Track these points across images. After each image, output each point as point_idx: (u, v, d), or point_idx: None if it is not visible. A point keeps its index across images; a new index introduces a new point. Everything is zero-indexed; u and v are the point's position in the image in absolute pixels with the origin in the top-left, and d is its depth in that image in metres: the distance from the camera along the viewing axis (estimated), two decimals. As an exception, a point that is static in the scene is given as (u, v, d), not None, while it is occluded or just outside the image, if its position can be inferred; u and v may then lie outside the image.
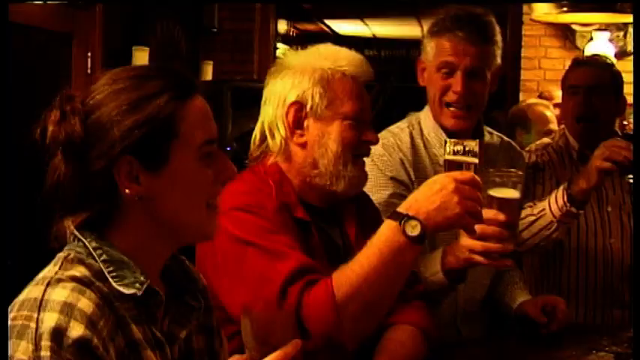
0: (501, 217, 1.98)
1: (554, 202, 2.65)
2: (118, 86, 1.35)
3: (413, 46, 11.33)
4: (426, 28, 2.64)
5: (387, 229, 1.76)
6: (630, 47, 6.46)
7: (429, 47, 2.50)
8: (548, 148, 3.13)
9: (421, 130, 2.60)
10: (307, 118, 1.98)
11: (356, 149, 2.00)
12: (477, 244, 2.01)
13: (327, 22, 12.53)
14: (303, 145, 1.99)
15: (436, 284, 2.23)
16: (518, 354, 2.48)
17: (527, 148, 3.19)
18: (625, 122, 2.95)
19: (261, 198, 1.92)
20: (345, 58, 2.01)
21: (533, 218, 2.73)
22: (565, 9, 2.93)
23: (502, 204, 1.95)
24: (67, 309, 1.23)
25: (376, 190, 2.41)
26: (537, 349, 2.48)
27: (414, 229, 1.73)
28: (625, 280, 2.98)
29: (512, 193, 1.99)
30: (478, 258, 2.04)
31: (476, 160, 1.89)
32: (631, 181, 2.64)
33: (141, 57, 5.28)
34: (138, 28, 5.56)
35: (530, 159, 3.05)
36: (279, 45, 9.65)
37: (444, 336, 2.32)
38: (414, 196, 1.80)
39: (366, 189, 2.21)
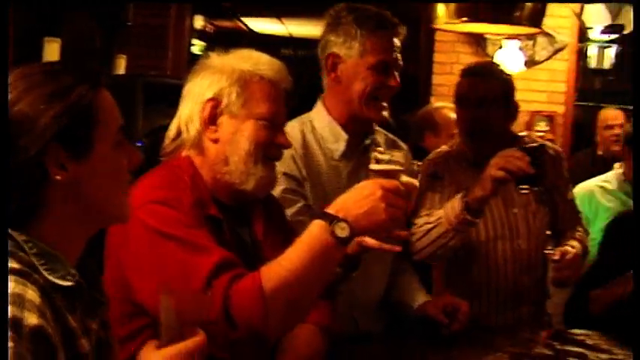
0: None
1: (450, 211, 2.69)
2: (33, 80, 1.39)
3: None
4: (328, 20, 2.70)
5: (317, 228, 1.79)
6: (538, 56, 6.64)
7: (358, 44, 2.56)
8: (446, 155, 3.13)
9: (313, 127, 2.65)
10: (222, 115, 2.01)
11: (267, 150, 2.04)
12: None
13: (244, 19, 12.49)
14: (216, 141, 2.02)
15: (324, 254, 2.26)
16: (418, 353, 2.53)
17: (427, 157, 3.19)
18: (523, 133, 3.03)
19: (177, 193, 1.93)
20: (266, 63, 2.05)
21: (430, 226, 2.76)
22: (465, 19, 2.99)
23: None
24: (19, 300, 1.26)
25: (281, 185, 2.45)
26: (436, 349, 2.53)
27: (342, 231, 1.78)
28: (532, 279, 3.06)
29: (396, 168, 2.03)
30: (370, 241, 2.08)
31: (401, 169, 1.95)
32: (524, 192, 2.71)
33: (52, 48, 5.18)
34: (50, 19, 5.45)
35: (429, 168, 3.07)
36: (195, 41, 9.57)
37: (344, 330, 2.40)
38: (343, 199, 1.84)
39: None
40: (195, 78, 2.05)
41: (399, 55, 2.62)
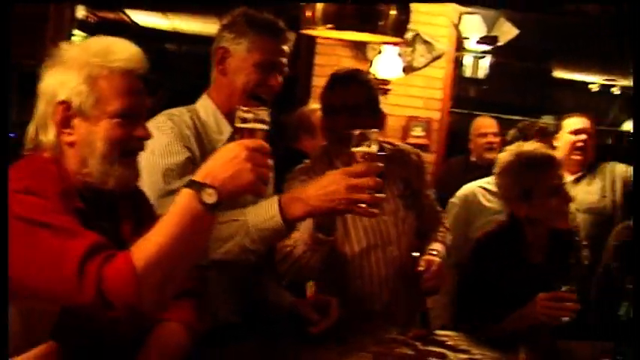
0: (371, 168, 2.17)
1: (304, 231, 2.66)
2: None
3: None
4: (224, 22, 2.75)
5: (185, 197, 1.77)
6: (416, 63, 6.78)
7: (247, 41, 2.62)
8: (309, 171, 3.07)
9: (199, 116, 2.67)
10: (75, 117, 1.96)
11: (126, 145, 2.00)
12: (353, 195, 2.16)
13: (128, 11, 12.27)
14: (72, 144, 1.97)
15: (268, 230, 2.29)
16: (287, 351, 2.55)
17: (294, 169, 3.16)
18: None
19: (43, 182, 1.89)
20: (117, 53, 1.99)
21: (288, 250, 2.72)
22: (330, 26, 3.02)
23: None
24: None
25: (172, 155, 2.47)
26: (303, 348, 2.56)
27: (210, 197, 1.76)
28: (406, 283, 3.11)
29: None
30: (359, 209, 2.17)
31: (265, 127, 1.93)
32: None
33: None
34: None
35: (296, 176, 3.06)
36: (76, 32, 9.33)
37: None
38: (208, 165, 1.82)
39: (160, 155, 2.38)
40: (48, 75, 1.99)
41: (285, 60, 2.68)
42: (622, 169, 4.74)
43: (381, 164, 2.22)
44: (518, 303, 2.91)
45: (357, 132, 2.25)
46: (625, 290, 2.69)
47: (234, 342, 2.57)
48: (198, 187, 1.77)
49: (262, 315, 2.78)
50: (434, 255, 3.09)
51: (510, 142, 3.89)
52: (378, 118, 3.02)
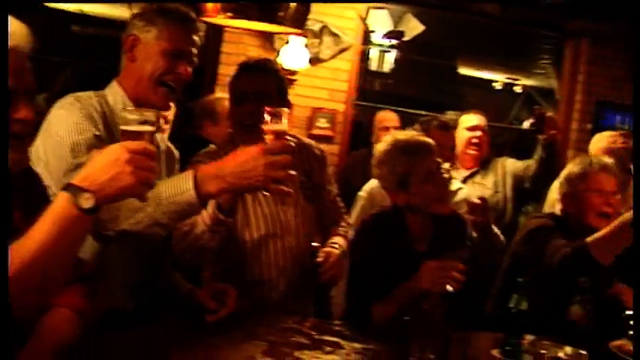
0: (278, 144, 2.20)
1: (204, 211, 2.67)
2: None
3: (121, 27, 11.10)
4: (135, 10, 2.76)
5: (60, 201, 1.74)
6: (323, 55, 6.81)
7: (156, 29, 2.62)
8: (217, 151, 3.10)
9: (107, 102, 2.63)
10: None
11: (12, 127, 1.88)
12: (270, 172, 2.16)
13: (34, -8, 11.97)
14: None
15: (181, 204, 2.24)
16: (182, 339, 2.51)
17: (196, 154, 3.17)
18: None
19: None
20: None
21: (187, 229, 2.74)
22: (230, 14, 3.04)
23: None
24: None
25: (80, 133, 2.44)
26: (201, 337, 2.57)
27: (87, 201, 1.73)
28: (303, 274, 3.15)
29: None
30: (273, 186, 2.18)
31: (151, 129, 1.90)
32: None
33: None
34: None
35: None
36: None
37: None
38: (88, 168, 1.79)
39: (67, 132, 2.38)
40: None
41: (194, 50, 2.69)
42: (512, 165, 4.91)
43: (292, 141, 2.24)
44: None
45: (268, 109, 2.28)
46: (517, 283, 2.79)
47: (130, 329, 2.54)
48: (74, 190, 1.74)
49: (160, 302, 2.78)
50: (334, 247, 3.16)
51: None
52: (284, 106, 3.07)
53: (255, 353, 2.40)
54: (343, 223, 3.44)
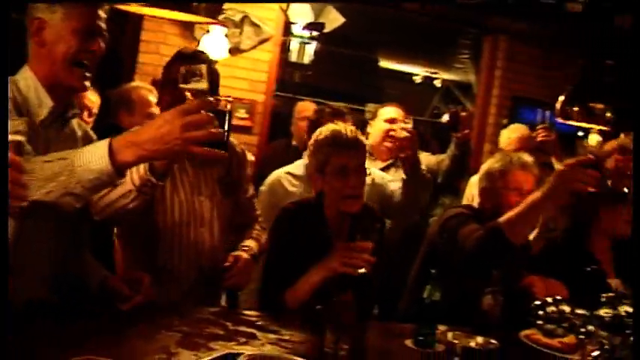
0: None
1: (135, 171, 2.64)
2: None
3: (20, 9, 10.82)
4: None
5: None
6: (244, 45, 6.78)
7: (62, 9, 2.54)
8: None
9: (19, 88, 2.57)
10: None
11: None
12: (188, 133, 2.10)
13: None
14: None
15: (95, 172, 2.15)
16: (94, 330, 2.45)
17: None
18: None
19: None
20: None
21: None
22: (143, 3, 3.01)
23: None
24: None
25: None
26: (110, 327, 2.52)
27: None
28: (214, 267, 3.15)
29: None
30: (196, 149, 2.11)
31: (20, 138, 1.89)
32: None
33: None
34: None
35: None
36: None
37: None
38: None
39: None
40: None
41: (103, 25, 2.62)
42: (426, 159, 4.98)
43: (212, 99, 2.18)
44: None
45: (184, 68, 2.23)
46: (430, 274, 2.83)
47: (42, 318, 2.48)
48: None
49: (72, 290, 2.74)
50: (245, 250, 3.18)
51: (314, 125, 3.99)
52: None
53: (169, 344, 2.37)
54: (257, 227, 3.46)
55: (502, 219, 3.13)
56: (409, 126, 4.48)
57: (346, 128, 3.27)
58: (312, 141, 3.29)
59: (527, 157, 3.66)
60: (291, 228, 3.19)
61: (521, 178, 3.50)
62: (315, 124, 4.15)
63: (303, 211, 3.27)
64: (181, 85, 2.22)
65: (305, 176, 4.14)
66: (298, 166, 4.30)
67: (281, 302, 3.04)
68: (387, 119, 4.89)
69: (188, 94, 2.24)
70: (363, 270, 2.91)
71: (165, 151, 2.12)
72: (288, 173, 4.29)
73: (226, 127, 2.18)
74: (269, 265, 3.21)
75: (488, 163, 3.67)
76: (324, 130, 3.26)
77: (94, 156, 2.14)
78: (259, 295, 3.27)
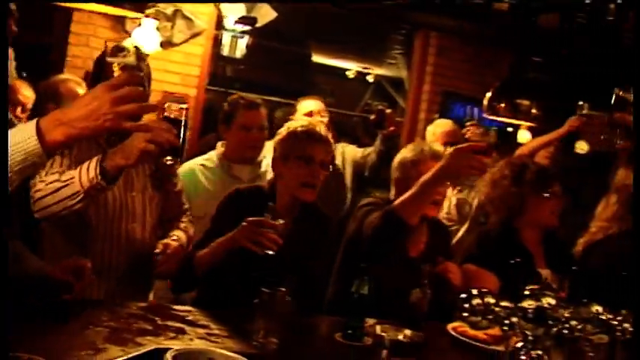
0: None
1: (85, 173, 2.64)
2: None
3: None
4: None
5: None
6: (176, 39, 6.74)
7: None
8: None
9: None
10: None
11: None
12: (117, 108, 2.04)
13: None
14: None
15: (23, 153, 2.02)
16: (20, 325, 2.35)
17: None
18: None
19: None
20: None
21: (59, 185, 2.73)
22: (71, -6, 3.00)
23: None
24: None
25: None
26: (42, 321, 2.49)
27: None
28: (143, 262, 3.15)
29: None
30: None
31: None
32: (169, 162, 2.61)
33: None
34: None
35: None
36: None
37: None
38: None
39: None
40: None
41: (13, 5, 2.58)
42: (352, 152, 5.07)
43: (141, 73, 2.15)
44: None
45: (112, 43, 2.21)
46: (359, 268, 2.86)
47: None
48: None
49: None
50: (174, 240, 3.19)
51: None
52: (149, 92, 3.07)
53: (96, 340, 2.35)
54: (184, 219, 3.47)
55: (396, 202, 3.22)
56: (325, 119, 4.54)
57: (320, 127, 3.34)
58: (284, 131, 3.35)
59: (439, 147, 3.75)
60: (237, 210, 3.21)
61: (433, 167, 3.58)
62: (227, 114, 4.22)
63: (252, 196, 3.32)
64: (109, 59, 2.18)
65: (218, 167, 4.18)
66: (212, 157, 4.33)
67: (191, 269, 3.09)
68: (305, 113, 4.94)
69: (116, 67, 2.21)
70: (270, 251, 2.91)
71: (96, 127, 2.02)
72: (202, 165, 4.32)
73: (181, 136, 2.17)
74: (202, 239, 3.24)
75: (402, 154, 3.73)
76: (292, 126, 3.35)
77: (22, 136, 2.04)
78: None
